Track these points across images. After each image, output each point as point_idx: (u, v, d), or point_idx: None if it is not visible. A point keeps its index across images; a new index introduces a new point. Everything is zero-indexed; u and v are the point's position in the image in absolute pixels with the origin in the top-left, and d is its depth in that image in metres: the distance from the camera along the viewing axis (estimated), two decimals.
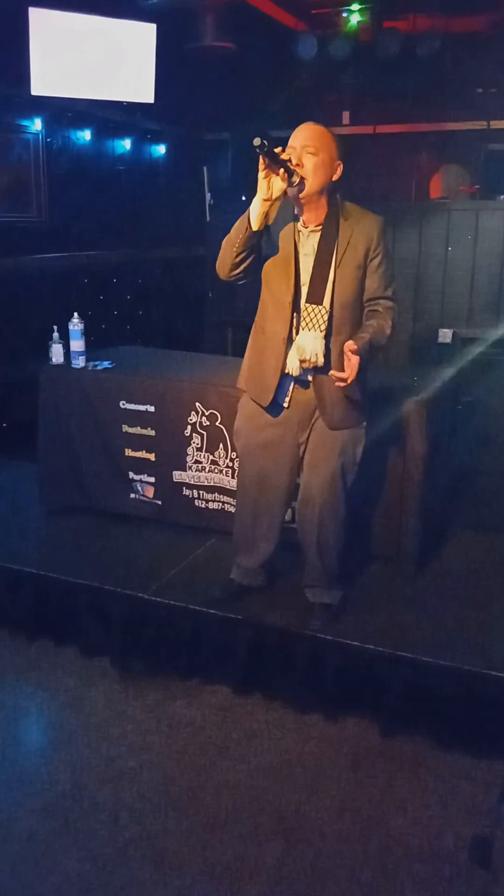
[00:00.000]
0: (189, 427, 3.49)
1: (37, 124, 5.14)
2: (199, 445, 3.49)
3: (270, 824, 2.25)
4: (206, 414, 3.42)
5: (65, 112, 5.33)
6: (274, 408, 2.69)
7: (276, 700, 2.76)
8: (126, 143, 6.02)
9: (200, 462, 3.50)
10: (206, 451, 3.47)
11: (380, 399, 3.21)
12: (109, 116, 5.72)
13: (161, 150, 6.42)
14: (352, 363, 2.40)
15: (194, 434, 3.48)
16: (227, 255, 2.49)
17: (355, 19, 6.04)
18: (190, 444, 3.51)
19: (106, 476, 3.71)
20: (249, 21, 6.02)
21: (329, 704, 2.70)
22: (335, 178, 2.49)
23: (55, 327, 3.73)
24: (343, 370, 2.45)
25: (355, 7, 5.97)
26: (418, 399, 3.15)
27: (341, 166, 2.49)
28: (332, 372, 2.50)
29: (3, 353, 4.81)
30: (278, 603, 2.99)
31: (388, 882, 2.06)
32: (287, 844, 2.18)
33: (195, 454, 3.51)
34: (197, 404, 3.44)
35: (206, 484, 3.50)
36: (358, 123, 7.19)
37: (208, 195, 6.66)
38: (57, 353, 3.71)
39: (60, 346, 3.71)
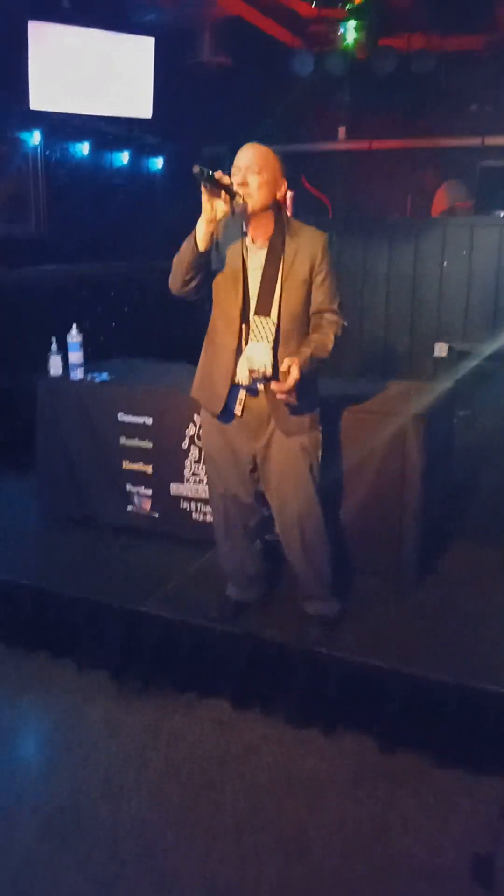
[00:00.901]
0: (187, 439, 3.48)
1: (35, 137, 5.17)
2: (196, 458, 3.48)
3: (270, 840, 2.23)
4: None
5: (63, 126, 5.36)
6: (226, 416, 2.75)
7: (274, 714, 2.74)
8: (124, 157, 6.06)
9: (198, 474, 3.49)
10: (203, 464, 3.46)
11: (376, 412, 3.23)
12: (107, 130, 5.75)
13: (159, 163, 6.46)
14: (289, 379, 2.49)
15: (192, 446, 3.48)
16: (178, 274, 2.58)
17: (351, 37, 6.10)
18: (188, 457, 3.50)
19: (103, 488, 3.70)
20: (247, 37, 6.08)
21: (328, 719, 2.68)
22: (279, 195, 2.59)
23: (53, 339, 3.73)
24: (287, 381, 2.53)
25: (351, 25, 6.03)
26: (415, 413, 3.16)
27: (285, 184, 2.59)
28: (272, 384, 2.57)
29: (1, 364, 4.80)
30: (276, 616, 2.98)
31: None
32: (287, 860, 2.16)
33: (193, 466, 3.50)
34: (195, 416, 3.43)
35: (203, 496, 3.49)
36: (354, 139, 7.25)
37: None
38: (55, 365, 3.71)
39: (59, 357, 3.70)
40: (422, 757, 2.54)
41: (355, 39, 6.10)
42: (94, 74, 5.17)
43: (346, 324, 2.68)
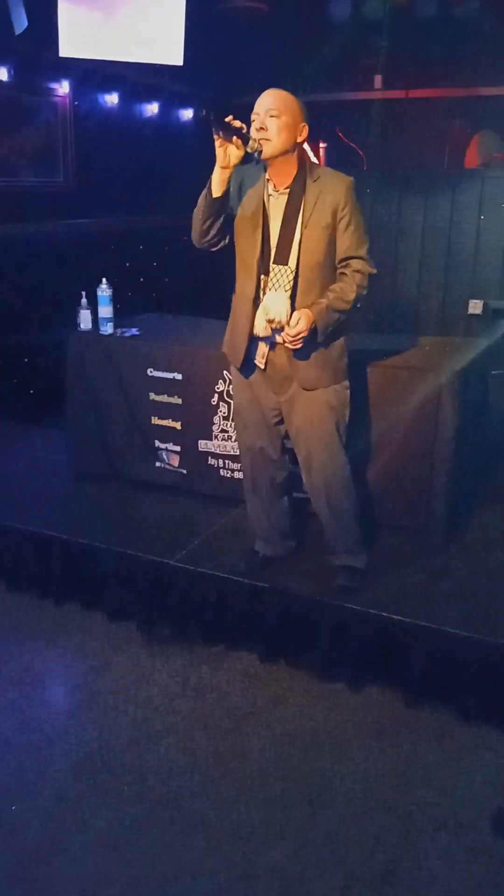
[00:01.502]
0: (216, 395, 3.47)
1: (64, 87, 5.08)
2: (225, 414, 3.47)
3: (296, 789, 2.27)
4: None
5: (92, 74, 5.25)
6: (248, 368, 2.74)
7: (300, 668, 2.78)
8: (154, 108, 5.94)
9: (226, 431, 3.48)
10: (231, 420, 3.46)
11: (409, 368, 3.19)
12: (138, 79, 5.63)
13: (189, 114, 6.33)
14: (292, 330, 2.48)
15: (221, 403, 3.47)
16: (196, 223, 2.56)
17: None
18: (216, 413, 3.49)
19: (132, 444, 3.72)
20: None
21: (353, 673, 2.71)
22: (300, 139, 2.53)
23: (83, 293, 3.72)
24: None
25: None
26: (449, 370, 3.11)
27: (306, 128, 2.53)
28: (279, 336, 2.56)
29: (31, 318, 4.80)
30: (303, 571, 2.99)
31: (412, 850, 2.08)
32: (312, 809, 2.20)
33: (221, 423, 3.50)
34: (224, 373, 3.42)
35: (231, 453, 3.49)
36: (390, 87, 7.02)
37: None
38: (85, 320, 3.71)
39: (88, 312, 3.70)
40: (446, 711, 2.57)
41: None
42: (124, 21, 5.04)
43: (374, 271, 2.61)
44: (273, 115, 2.45)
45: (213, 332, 3.92)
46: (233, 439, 3.47)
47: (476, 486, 3.61)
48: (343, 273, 2.60)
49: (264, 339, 2.65)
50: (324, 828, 2.15)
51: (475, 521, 3.44)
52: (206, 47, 5.61)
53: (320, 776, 2.32)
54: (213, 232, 2.55)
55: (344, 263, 2.60)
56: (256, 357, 2.70)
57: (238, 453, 3.46)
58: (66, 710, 2.65)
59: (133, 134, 5.77)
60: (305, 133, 2.53)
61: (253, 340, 2.67)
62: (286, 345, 2.56)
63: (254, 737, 2.47)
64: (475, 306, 5.81)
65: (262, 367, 2.70)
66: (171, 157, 6.06)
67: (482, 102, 6.70)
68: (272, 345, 2.66)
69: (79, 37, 4.85)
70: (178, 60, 5.38)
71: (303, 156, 2.57)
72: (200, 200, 2.51)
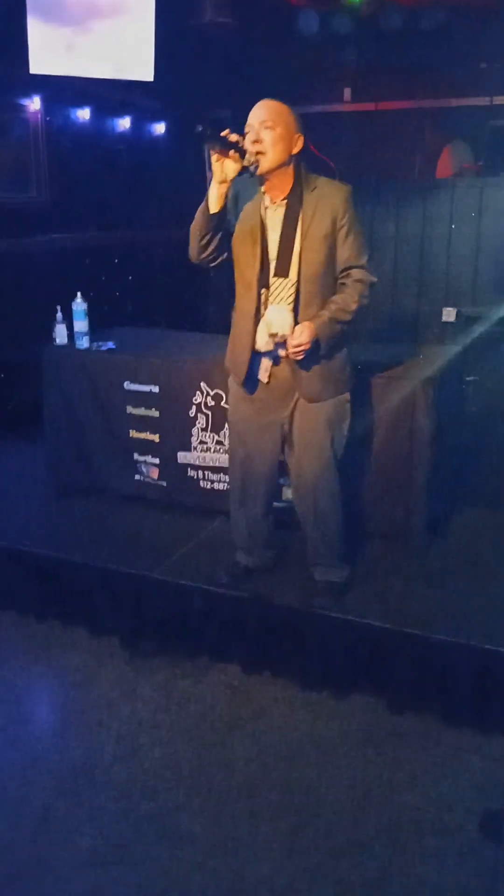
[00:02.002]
0: (194, 407, 3.47)
1: (36, 103, 5.09)
2: (203, 426, 3.48)
3: (282, 800, 2.26)
4: (212, 394, 3.41)
5: (64, 90, 5.27)
6: (251, 384, 2.71)
7: (284, 678, 2.78)
8: (126, 122, 5.96)
9: (206, 443, 3.49)
10: (211, 432, 3.46)
11: (383, 376, 3.21)
12: (109, 95, 5.65)
13: (161, 128, 6.36)
14: (293, 342, 2.46)
15: (199, 414, 3.47)
16: (194, 240, 2.53)
17: None
18: (195, 425, 3.49)
19: (111, 457, 3.70)
20: None
21: (337, 682, 2.71)
22: (295, 150, 2.50)
23: (58, 308, 3.71)
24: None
25: None
26: (424, 377, 3.14)
27: (301, 139, 2.50)
28: (282, 350, 2.54)
29: (6, 334, 4.78)
30: (285, 581, 2.99)
31: (400, 856, 2.08)
32: (299, 819, 2.20)
33: (200, 434, 3.50)
34: (202, 384, 3.42)
35: (211, 465, 3.49)
36: (360, 100, 7.10)
37: (209, 173, 6.59)
38: (61, 334, 3.70)
39: (64, 326, 3.69)
40: (431, 717, 2.58)
41: None
42: (95, 37, 5.07)
43: (375, 280, 2.60)
44: (268, 127, 2.41)
45: (190, 345, 3.94)
46: (212, 451, 3.47)
47: (454, 491, 3.64)
48: (344, 283, 2.58)
49: (267, 353, 2.62)
50: (311, 838, 2.14)
51: (454, 526, 3.46)
52: (177, 62, 5.66)
53: (306, 786, 2.32)
54: (211, 247, 2.52)
55: (345, 273, 2.58)
56: (260, 372, 2.66)
57: (217, 465, 3.47)
58: (50, 728, 2.63)
59: (105, 149, 5.79)
60: (300, 144, 2.50)
61: (255, 355, 2.63)
62: (289, 357, 2.53)
63: (239, 749, 2.46)
64: (449, 314, 5.87)
65: (266, 381, 2.67)
66: (143, 171, 6.09)
67: (452, 113, 6.80)
68: (275, 359, 2.63)
69: (49, 53, 4.87)
70: (149, 76, 5.42)
71: (298, 166, 2.54)
72: (198, 216, 2.48)
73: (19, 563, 3.24)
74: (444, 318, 5.88)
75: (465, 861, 2.06)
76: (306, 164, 2.57)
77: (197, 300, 6.29)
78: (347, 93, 7.15)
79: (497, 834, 2.14)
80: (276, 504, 3.03)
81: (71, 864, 2.05)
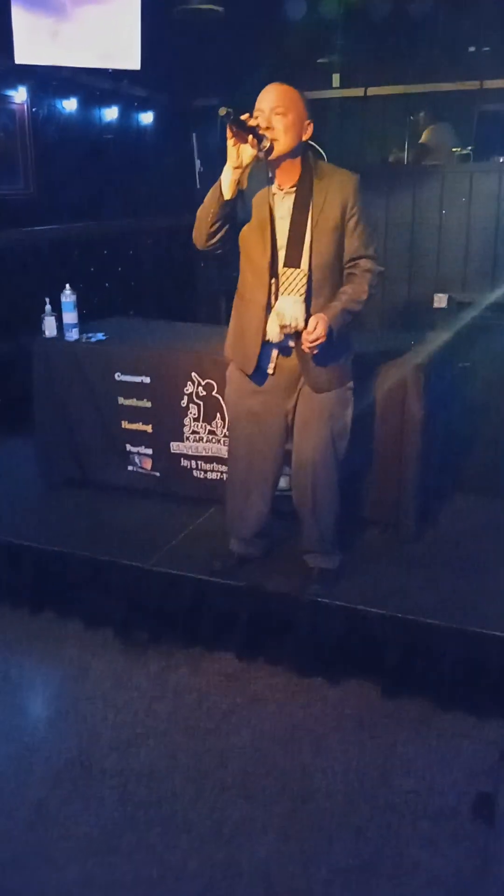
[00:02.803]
0: (185, 397, 3.48)
1: (21, 94, 5.05)
2: (195, 416, 3.48)
3: (277, 786, 2.28)
4: (203, 384, 3.41)
5: (50, 80, 5.23)
6: (259, 375, 2.69)
7: (279, 665, 2.79)
8: (113, 112, 5.92)
9: (198, 432, 3.49)
10: (203, 422, 3.46)
11: (376, 363, 3.21)
12: (95, 84, 5.62)
13: (149, 117, 6.32)
14: (311, 336, 2.43)
15: (191, 404, 3.47)
16: (203, 226, 2.48)
17: None
18: (187, 415, 3.50)
19: (103, 449, 3.70)
20: None
21: (332, 668, 2.72)
22: (305, 137, 2.47)
23: (47, 300, 3.70)
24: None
25: None
26: (416, 363, 3.14)
27: (311, 125, 2.47)
28: (301, 339, 2.50)
29: None
30: (278, 570, 3.00)
31: (394, 839, 2.10)
32: (294, 805, 2.21)
33: (192, 424, 3.50)
34: (193, 374, 3.42)
35: (203, 454, 3.50)
36: (348, 86, 7.07)
37: (198, 162, 6.57)
38: (50, 326, 3.69)
39: (53, 318, 3.68)
40: (424, 701, 2.59)
41: None
42: (80, 26, 5.03)
43: (382, 269, 2.59)
44: (279, 113, 2.37)
45: (180, 335, 3.94)
46: (204, 440, 3.47)
47: (445, 477, 3.65)
48: (352, 273, 2.56)
49: (276, 344, 2.60)
50: (306, 823, 2.16)
51: (445, 513, 3.48)
52: (164, 50, 5.62)
53: (301, 772, 2.34)
54: (219, 235, 2.47)
55: (352, 263, 2.56)
56: (268, 364, 2.64)
57: (210, 454, 3.47)
58: (45, 719, 2.64)
59: (93, 138, 5.76)
60: (310, 130, 2.46)
61: (264, 346, 2.60)
62: (305, 350, 2.50)
63: (234, 736, 2.48)
64: (440, 300, 5.87)
65: (272, 372, 2.66)
66: (131, 160, 6.06)
67: (441, 98, 6.78)
68: (285, 349, 2.61)
69: (35, 43, 4.83)
70: (136, 64, 5.39)
71: (307, 153, 2.50)
72: (208, 202, 2.43)
73: (12, 556, 3.24)
74: (436, 305, 5.88)
75: (458, 844, 2.09)
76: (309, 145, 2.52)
77: (186, 290, 6.28)
78: (336, 78, 7.12)
79: (489, 817, 2.16)
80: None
81: (67, 853, 2.07)
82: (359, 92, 7.00)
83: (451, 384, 3.78)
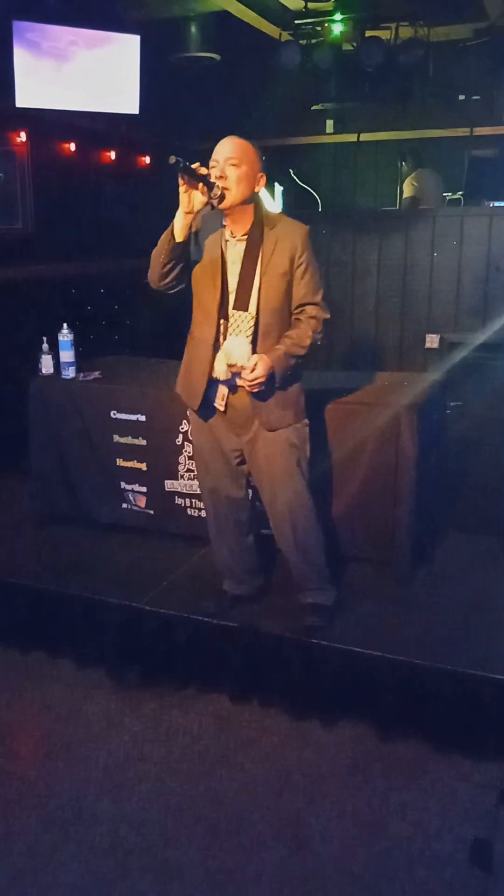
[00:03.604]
0: (181, 436, 3.49)
1: (21, 136, 5.15)
2: (190, 454, 3.48)
3: (271, 831, 2.25)
4: None
5: (50, 123, 5.34)
6: (209, 412, 2.76)
7: (273, 707, 2.76)
8: (111, 154, 6.03)
9: (192, 470, 3.49)
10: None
11: (369, 403, 3.24)
12: (94, 127, 5.73)
13: (146, 160, 6.44)
14: (250, 375, 2.52)
15: (186, 442, 3.49)
16: (156, 266, 2.58)
17: (338, 29, 6.08)
18: (181, 453, 3.51)
19: (97, 486, 3.71)
20: (234, 31, 6.05)
21: (326, 710, 2.70)
22: (258, 188, 2.57)
23: (45, 338, 3.73)
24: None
25: (338, 17, 6.01)
26: (409, 403, 3.18)
27: (264, 177, 2.58)
28: (239, 380, 2.60)
29: None
30: (272, 609, 2.99)
31: (390, 886, 2.06)
32: (288, 851, 2.18)
33: (187, 463, 3.51)
34: (188, 412, 3.43)
35: (198, 492, 3.49)
36: (342, 131, 7.24)
37: None
38: (47, 364, 3.71)
39: (50, 357, 3.71)
40: (419, 744, 2.57)
41: (342, 31, 6.08)
42: (80, 72, 5.15)
43: (328, 316, 2.67)
44: (233, 164, 2.47)
45: (176, 373, 3.95)
46: None
47: (438, 515, 3.67)
48: (298, 319, 2.65)
49: (224, 381, 2.68)
50: (300, 870, 2.12)
51: (439, 551, 3.48)
52: (162, 95, 5.75)
53: (295, 817, 2.30)
54: (172, 275, 2.58)
55: (299, 309, 2.64)
56: (216, 400, 2.72)
57: None
58: (36, 762, 2.60)
59: (90, 180, 5.85)
60: (263, 182, 2.57)
61: (212, 383, 2.69)
62: (245, 387, 2.59)
63: (227, 780, 2.45)
64: (432, 340, 5.94)
65: (223, 409, 2.72)
66: (128, 202, 6.15)
67: (432, 144, 6.94)
68: (233, 388, 2.68)
69: (35, 87, 4.94)
70: (134, 109, 5.51)
71: (259, 203, 2.62)
72: (161, 244, 2.53)
73: (4, 595, 3.22)
74: (428, 345, 5.95)
75: (454, 891, 2.05)
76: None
77: (182, 329, 6.32)
78: (329, 124, 7.29)
79: (486, 864, 2.13)
80: (263, 532, 3.04)
81: None
82: (352, 137, 7.17)
83: (443, 423, 3.81)
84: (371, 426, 3.18)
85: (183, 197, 2.43)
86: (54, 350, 3.70)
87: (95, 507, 3.73)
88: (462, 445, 4.52)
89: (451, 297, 5.94)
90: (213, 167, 2.48)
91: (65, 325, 3.66)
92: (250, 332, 2.60)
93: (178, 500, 3.56)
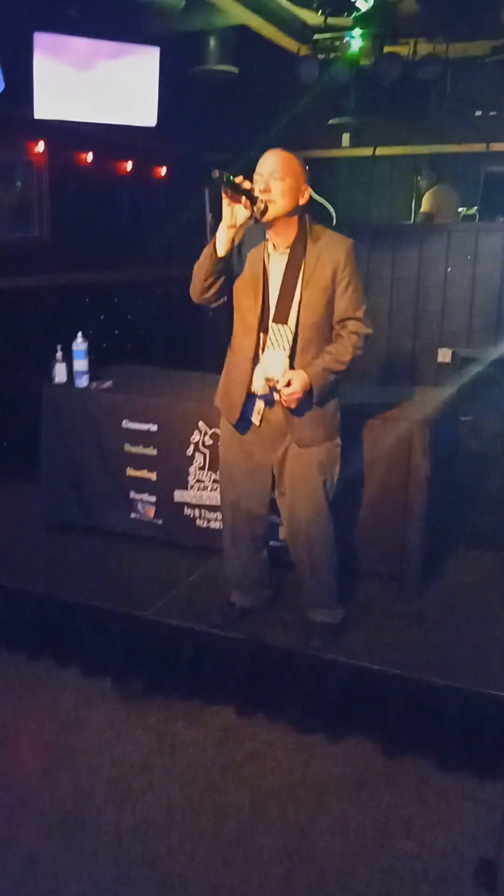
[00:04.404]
0: (192, 446, 3.50)
1: (40, 146, 5.19)
2: (201, 464, 3.50)
3: (274, 845, 2.23)
4: (209, 433, 3.44)
5: (68, 134, 5.38)
6: (244, 425, 2.74)
7: (278, 720, 2.75)
8: (128, 165, 6.08)
9: (203, 481, 3.50)
10: (208, 470, 3.48)
11: (381, 418, 3.24)
12: (112, 138, 5.77)
13: (163, 171, 6.48)
14: (285, 392, 2.53)
15: (196, 453, 3.50)
16: (198, 280, 2.57)
17: (356, 45, 6.10)
18: (192, 464, 3.51)
19: (107, 495, 3.72)
20: (253, 45, 6.09)
21: (332, 725, 2.69)
22: (302, 201, 2.56)
23: (58, 347, 3.75)
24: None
25: (356, 33, 6.04)
26: (421, 418, 3.17)
27: (308, 190, 2.57)
28: (275, 394, 2.59)
29: (6, 371, 4.83)
30: (279, 622, 2.99)
31: None
32: (291, 866, 2.17)
33: (197, 473, 3.51)
34: (200, 423, 3.45)
35: (207, 503, 3.51)
36: (358, 145, 7.26)
37: (209, 215, 6.72)
38: (60, 373, 3.73)
39: (64, 365, 3.73)
40: (425, 761, 2.55)
41: (361, 47, 6.11)
42: (99, 83, 5.19)
43: (370, 332, 2.65)
44: (277, 178, 2.47)
45: (188, 384, 3.98)
46: (209, 489, 3.49)
47: (449, 532, 3.65)
48: (339, 334, 2.63)
49: (261, 396, 2.67)
50: (304, 885, 2.11)
51: (448, 567, 3.47)
52: (179, 107, 5.79)
53: (299, 831, 2.29)
54: (213, 289, 2.56)
55: (341, 324, 2.63)
56: (252, 414, 2.70)
57: (214, 503, 3.48)
58: (40, 770, 2.60)
59: (107, 190, 5.90)
60: (307, 195, 2.57)
61: (250, 397, 2.67)
62: (283, 400, 2.58)
63: (231, 793, 2.44)
64: (444, 355, 5.93)
65: (258, 423, 2.71)
66: (144, 212, 6.20)
67: (448, 159, 6.96)
68: (269, 402, 2.67)
69: (54, 98, 4.98)
70: (152, 121, 5.54)
71: (303, 216, 2.60)
72: (203, 258, 2.52)
73: (12, 601, 3.23)
74: (440, 360, 5.95)
75: None
76: (307, 207, 2.62)
77: (195, 339, 6.36)
78: (346, 138, 7.32)
79: (492, 884, 2.11)
80: (272, 543, 3.04)
81: None
82: (368, 151, 7.19)
83: (455, 438, 3.80)
84: (383, 441, 3.18)
85: (226, 211, 2.41)
86: (68, 358, 3.72)
87: (104, 516, 3.74)
88: (473, 461, 4.50)
89: (464, 312, 5.93)
90: (256, 180, 2.47)
91: (79, 334, 3.68)
92: (289, 345, 2.58)
93: (187, 511, 3.56)
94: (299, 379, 2.52)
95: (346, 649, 2.79)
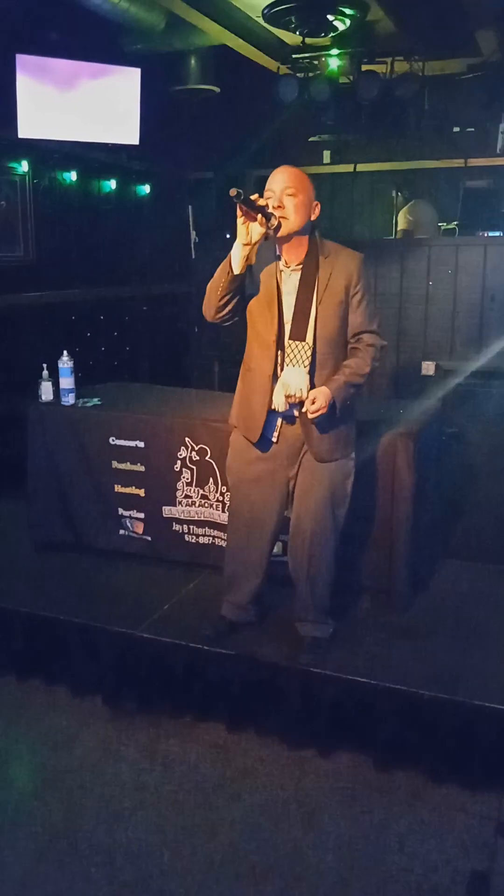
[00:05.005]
0: (179, 462, 3.51)
1: (24, 166, 5.23)
2: (188, 480, 3.50)
3: (267, 862, 2.23)
4: (196, 449, 3.45)
5: (51, 153, 5.42)
6: (263, 443, 2.74)
7: (270, 736, 2.75)
8: (112, 183, 6.12)
9: (191, 497, 3.51)
10: (196, 486, 3.49)
11: (367, 431, 3.26)
12: (95, 157, 5.82)
13: (146, 189, 6.53)
14: (311, 409, 2.55)
15: (184, 469, 3.50)
16: (213, 299, 2.58)
17: (335, 63, 6.20)
18: (180, 479, 3.52)
19: (95, 512, 3.71)
20: (233, 65, 6.17)
21: (323, 739, 2.69)
22: (314, 217, 2.59)
23: (44, 365, 3.76)
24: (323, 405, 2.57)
25: (334, 52, 6.13)
26: (405, 431, 3.20)
27: (319, 206, 2.61)
28: (296, 411, 2.61)
29: None
30: (270, 638, 2.98)
31: None
32: (284, 883, 2.16)
33: (185, 489, 3.52)
34: (186, 439, 3.46)
35: (196, 518, 3.51)
36: (339, 162, 7.35)
37: (193, 233, 6.76)
38: (46, 391, 3.73)
39: (50, 383, 3.73)
40: (417, 774, 2.56)
41: (339, 66, 6.20)
42: (82, 103, 5.24)
43: (385, 343, 2.70)
44: (290, 194, 2.49)
45: (174, 400, 4.00)
46: (197, 505, 3.49)
47: (436, 544, 3.67)
48: (355, 347, 2.66)
49: (281, 413, 2.68)
50: None
51: (436, 579, 3.49)
52: (162, 126, 5.84)
53: (292, 847, 2.29)
54: (227, 308, 2.58)
55: (356, 338, 2.66)
56: (273, 432, 2.71)
57: (202, 519, 3.49)
58: (31, 791, 2.58)
59: (91, 209, 5.93)
60: (318, 211, 2.60)
61: (269, 414, 2.68)
62: (306, 418, 2.59)
63: (224, 810, 2.43)
64: (428, 367, 5.98)
65: (276, 440, 2.72)
66: (128, 230, 6.23)
67: (427, 174, 7.05)
68: (289, 418, 2.68)
69: (38, 118, 5.02)
70: (135, 139, 5.59)
71: (314, 232, 2.63)
72: (219, 277, 2.53)
73: (1, 621, 3.21)
74: (424, 372, 6.00)
75: None
76: (318, 224, 2.64)
77: (181, 356, 6.38)
78: (326, 155, 7.40)
79: None
80: (272, 555, 3.04)
81: None
82: (349, 168, 7.28)
83: (440, 450, 3.83)
84: (368, 453, 3.20)
85: (241, 229, 2.42)
86: (54, 377, 3.72)
87: (93, 534, 3.73)
88: (459, 472, 4.53)
89: (446, 325, 5.99)
90: (269, 197, 2.49)
91: (65, 352, 3.68)
92: (307, 362, 2.60)
93: (176, 527, 3.56)
94: (323, 396, 2.55)
95: (336, 663, 2.79)
